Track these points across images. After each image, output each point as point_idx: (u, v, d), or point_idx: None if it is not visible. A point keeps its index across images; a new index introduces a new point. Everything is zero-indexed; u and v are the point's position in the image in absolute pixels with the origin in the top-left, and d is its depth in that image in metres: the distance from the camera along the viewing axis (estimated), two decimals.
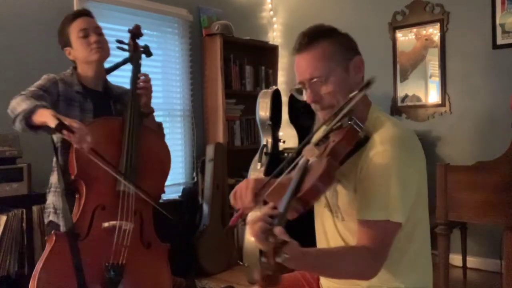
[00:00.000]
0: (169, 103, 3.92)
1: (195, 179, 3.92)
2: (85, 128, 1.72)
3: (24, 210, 2.54)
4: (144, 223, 2.02)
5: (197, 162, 3.93)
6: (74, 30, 2.04)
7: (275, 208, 1.22)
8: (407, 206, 1.28)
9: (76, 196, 1.96)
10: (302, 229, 1.68)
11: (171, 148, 4.01)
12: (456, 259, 3.47)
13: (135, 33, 2.21)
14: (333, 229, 1.44)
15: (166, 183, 3.76)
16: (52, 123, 1.67)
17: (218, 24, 4.03)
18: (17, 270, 2.51)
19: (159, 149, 2.17)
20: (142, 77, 2.12)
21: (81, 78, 2.09)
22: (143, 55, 2.23)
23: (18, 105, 1.81)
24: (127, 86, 2.17)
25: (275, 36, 4.78)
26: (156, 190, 2.12)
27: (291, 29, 4.64)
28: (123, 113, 2.08)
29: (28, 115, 1.76)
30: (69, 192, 1.92)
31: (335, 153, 1.23)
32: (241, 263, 3.46)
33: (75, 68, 2.12)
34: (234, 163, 4.01)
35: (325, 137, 1.33)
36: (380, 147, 1.28)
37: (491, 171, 2.36)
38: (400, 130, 1.34)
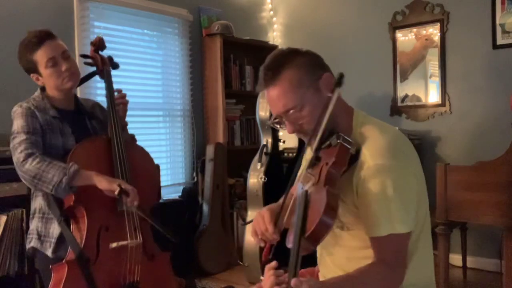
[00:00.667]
0: (169, 103, 3.93)
1: (195, 179, 3.92)
2: (135, 190, 1.82)
3: (24, 210, 2.53)
4: (144, 236, 2.01)
5: (197, 162, 3.93)
6: (42, 60, 1.92)
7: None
8: (411, 213, 1.29)
9: (72, 221, 1.92)
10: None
11: (171, 148, 4.05)
12: (456, 259, 3.47)
13: (98, 45, 2.13)
14: (333, 242, 1.42)
15: (166, 183, 3.81)
16: (115, 189, 1.79)
17: (218, 24, 4.03)
18: (17, 270, 2.51)
19: (144, 160, 2.15)
20: (116, 93, 2.09)
21: (52, 100, 2.01)
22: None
23: (45, 172, 1.78)
24: (93, 96, 2.11)
25: (275, 36, 4.78)
26: (150, 201, 2.11)
27: (291, 29, 4.64)
28: (104, 129, 2.05)
29: (71, 182, 1.78)
30: (62, 218, 1.88)
31: (332, 179, 1.20)
32: (241, 263, 3.46)
33: (42, 89, 2.03)
34: (234, 163, 4.01)
35: (317, 158, 1.30)
36: (372, 162, 1.27)
37: (491, 171, 2.35)
38: (388, 137, 1.32)
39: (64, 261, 1.82)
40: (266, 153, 3.52)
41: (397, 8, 3.99)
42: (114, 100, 2.06)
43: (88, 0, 3.26)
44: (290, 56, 1.37)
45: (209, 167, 3.77)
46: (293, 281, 1.03)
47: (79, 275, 1.76)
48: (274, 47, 4.59)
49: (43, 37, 1.93)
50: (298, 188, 1.35)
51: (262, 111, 3.56)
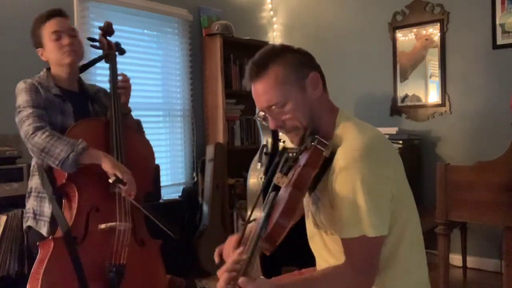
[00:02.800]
0: (169, 103, 3.93)
1: (195, 179, 3.92)
2: (133, 180, 1.84)
3: (24, 210, 2.53)
4: (136, 222, 2.03)
5: (197, 162, 3.93)
6: (47, 32, 2.00)
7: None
8: (383, 217, 1.26)
9: (64, 200, 1.95)
10: (301, 247, 1.67)
11: (171, 148, 4.04)
12: (456, 259, 3.47)
13: (107, 30, 2.18)
14: (323, 245, 1.43)
15: (166, 183, 3.81)
16: (111, 175, 1.82)
17: (218, 24, 4.03)
18: (17, 270, 2.50)
19: (142, 146, 2.17)
20: (120, 77, 2.12)
21: (55, 79, 2.05)
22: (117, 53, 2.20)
23: (53, 146, 1.80)
24: (101, 83, 2.16)
25: (275, 36, 4.77)
26: (144, 188, 2.11)
27: (291, 29, 4.64)
28: (106, 113, 2.06)
29: (78, 158, 1.80)
30: (55, 196, 1.90)
31: (300, 181, 1.20)
32: None
33: (48, 69, 2.08)
34: (234, 163, 4.01)
35: (294, 160, 1.32)
36: (343, 162, 1.25)
37: (491, 171, 2.36)
38: (364, 138, 1.29)
39: (50, 237, 1.85)
40: (266, 153, 3.51)
41: (397, 8, 3.99)
42: (116, 84, 2.10)
43: (88, 0, 3.26)
44: (279, 52, 1.36)
45: (209, 167, 3.77)
46: (240, 280, 1.04)
47: (65, 253, 1.78)
48: None
49: (53, 13, 2.03)
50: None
51: None
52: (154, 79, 3.87)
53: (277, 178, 1.26)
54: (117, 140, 1.97)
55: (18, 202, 2.54)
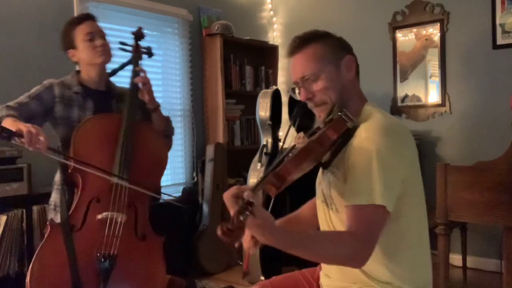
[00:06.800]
0: (169, 103, 3.92)
1: (195, 179, 3.92)
2: (33, 129, 1.74)
3: (24, 210, 2.54)
4: (138, 216, 2.05)
5: (197, 162, 3.93)
6: (80, 33, 2.12)
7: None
8: (392, 191, 1.29)
9: (75, 190, 2.02)
10: None
11: (171, 148, 4.01)
12: (456, 259, 3.47)
13: (138, 35, 2.30)
14: (329, 222, 1.45)
15: (166, 183, 3.81)
16: None
17: (218, 24, 4.03)
18: (17, 270, 2.51)
19: (155, 144, 2.21)
20: (141, 74, 2.19)
21: (83, 79, 2.17)
22: (145, 56, 2.30)
23: None
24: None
25: (275, 36, 4.78)
26: (153, 184, 2.17)
27: (291, 29, 4.64)
28: (122, 109, 2.13)
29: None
30: (70, 187, 1.99)
31: (320, 138, 1.27)
32: (241, 263, 3.46)
33: (78, 72, 2.19)
34: (234, 163, 4.01)
35: (317, 128, 1.38)
36: (364, 134, 1.32)
37: (491, 171, 2.36)
38: (388, 121, 1.37)
39: (48, 223, 1.92)
40: (266, 153, 3.51)
41: (397, 8, 3.99)
42: (135, 83, 2.18)
43: (88, 0, 3.26)
44: (321, 34, 1.49)
45: (209, 167, 3.77)
46: (247, 192, 1.13)
47: (60, 239, 1.83)
48: (274, 47, 4.60)
49: (85, 17, 2.20)
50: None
51: (262, 111, 3.56)
52: (154, 79, 3.85)
53: (299, 138, 1.34)
54: (125, 134, 2.05)
55: (18, 202, 2.54)
